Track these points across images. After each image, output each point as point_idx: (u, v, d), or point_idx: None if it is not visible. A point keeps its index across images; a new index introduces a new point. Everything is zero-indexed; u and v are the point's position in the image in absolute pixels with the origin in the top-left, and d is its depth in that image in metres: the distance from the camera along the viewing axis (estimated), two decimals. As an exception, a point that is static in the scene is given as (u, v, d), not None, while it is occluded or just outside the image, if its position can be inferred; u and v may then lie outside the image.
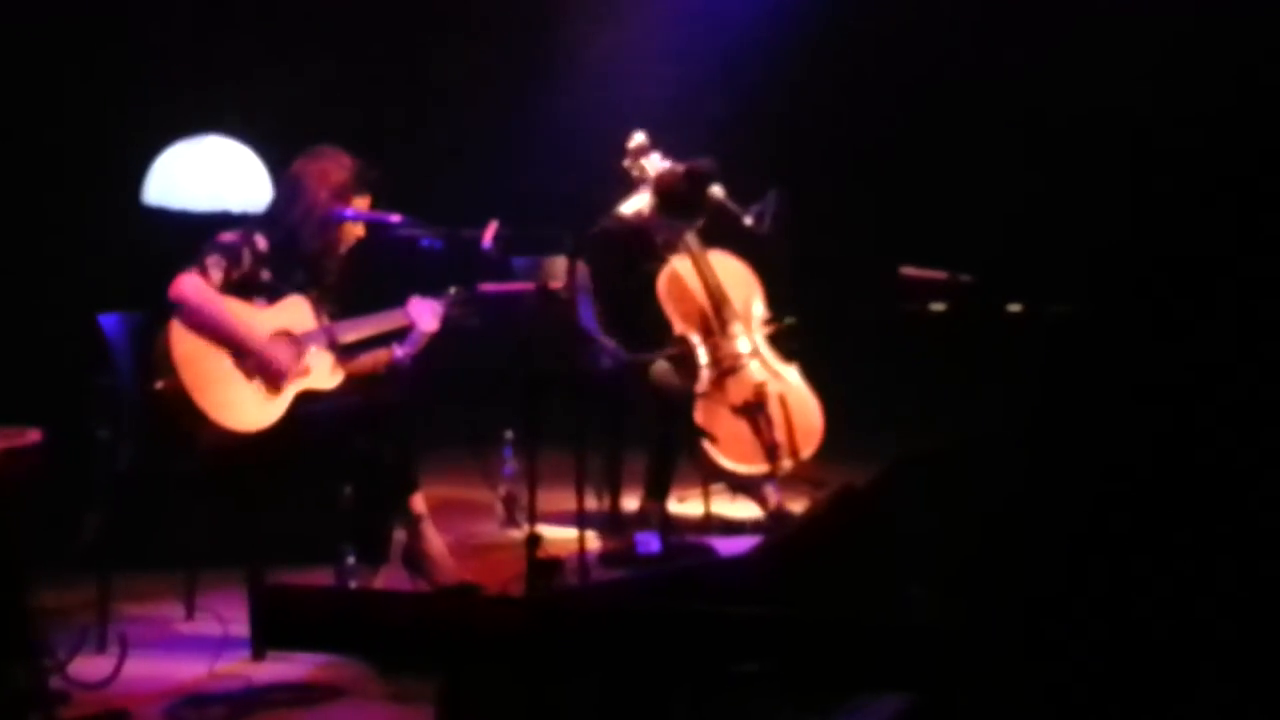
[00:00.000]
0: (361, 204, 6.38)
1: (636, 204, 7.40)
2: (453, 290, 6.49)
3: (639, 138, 7.45)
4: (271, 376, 6.03)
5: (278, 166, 7.51)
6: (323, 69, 9.51)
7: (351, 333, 6.31)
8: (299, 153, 6.45)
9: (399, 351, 6.37)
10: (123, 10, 8.68)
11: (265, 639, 5.22)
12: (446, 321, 6.45)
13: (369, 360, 6.37)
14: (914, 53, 9.87)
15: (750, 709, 3.55)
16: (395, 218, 6.45)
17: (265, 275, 6.13)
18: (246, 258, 6.08)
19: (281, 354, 6.06)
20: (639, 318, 7.27)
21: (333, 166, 6.37)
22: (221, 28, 9.10)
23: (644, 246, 7.41)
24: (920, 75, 9.83)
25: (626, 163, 7.48)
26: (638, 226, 7.39)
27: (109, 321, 6.16)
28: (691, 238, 7.48)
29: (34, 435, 5.03)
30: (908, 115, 9.81)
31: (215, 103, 8.64)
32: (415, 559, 6.16)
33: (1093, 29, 9.05)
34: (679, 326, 7.25)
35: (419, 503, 6.19)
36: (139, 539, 6.23)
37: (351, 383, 6.28)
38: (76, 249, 7.85)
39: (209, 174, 8.15)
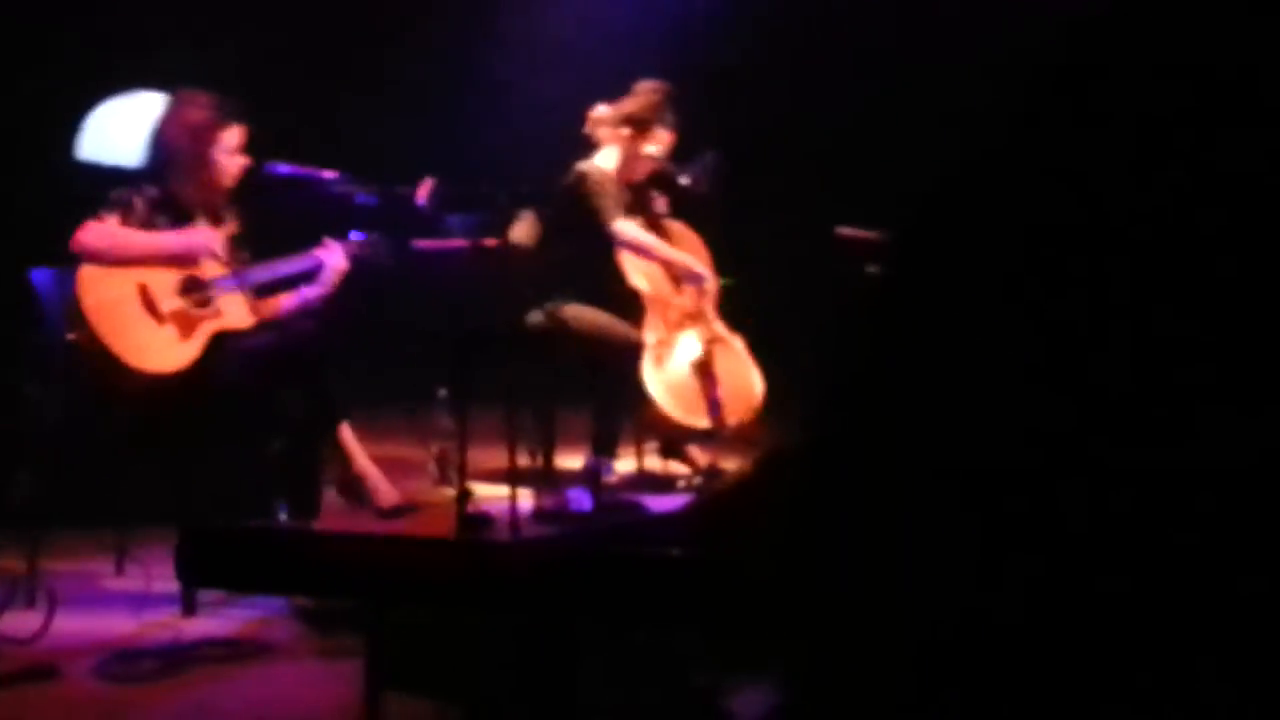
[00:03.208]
0: (233, 137, 6.38)
1: (604, 160, 7.38)
2: (360, 235, 6.54)
3: (602, 108, 7.43)
4: (195, 262, 6.16)
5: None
6: (262, 24, 9.47)
7: (263, 273, 6.36)
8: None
9: (309, 291, 6.41)
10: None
11: (191, 579, 5.22)
12: (355, 260, 6.50)
13: (280, 300, 6.41)
14: (850, 8, 9.87)
15: (666, 659, 3.58)
16: (329, 174, 6.48)
17: (162, 223, 6.16)
18: (140, 207, 6.14)
19: (199, 235, 6.17)
20: (589, 268, 7.26)
21: (189, 108, 6.42)
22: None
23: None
24: (858, 29, 9.83)
25: (589, 129, 7.44)
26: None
27: (40, 276, 6.16)
28: (661, 203, 7.51)
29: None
30: (845, 73, 9.82)
31: (149, 58, 8.58)
32: (351, 486, 6.21)
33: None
34: (632, 280, 7.24)
35: (346, 431, 6.24)
36: (69, 496, 6.21)
37: (265, 324, 6.32)
38: (8, 204, 7.80)
39: (142, 129, 8.08)
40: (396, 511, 6.17)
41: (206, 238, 6.22)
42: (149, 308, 6.05)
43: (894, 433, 1.56)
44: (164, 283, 6.11)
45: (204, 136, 6.31)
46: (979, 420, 1.47)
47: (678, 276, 7.40)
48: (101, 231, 6.04)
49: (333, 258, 6.48)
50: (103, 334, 5.93)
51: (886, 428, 1.58)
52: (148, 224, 6.15)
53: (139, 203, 6.14)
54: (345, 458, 6.22)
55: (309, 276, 6.48)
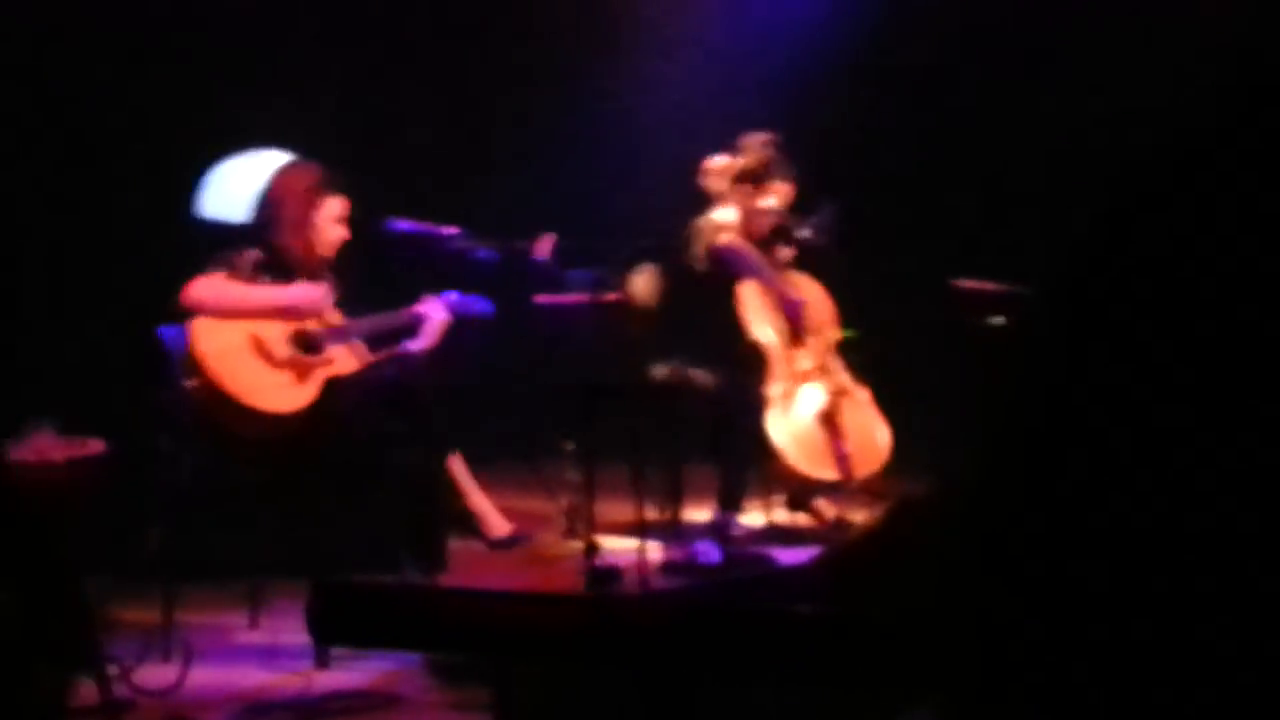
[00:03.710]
0: (335, 206, 6.47)
1: (724, 216, 7.40)
2: (454, 293, 6.61)
3: (719, 160, 7.43)
4: (304, 318, 6.26)
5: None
6: (381, 83, 9.55)
7: (365, 327, 6.46)
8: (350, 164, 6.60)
9: (412, 345, 6.48)
10: (183, 23, 8.72)
11: (321, 636, 5.24)
12: (455, 314, 6.55)
13: (385, 354, 6.49)
14: (967, 62, 9.84)
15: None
16: (450, 230, 6.54)
17: (265, 283, 6.26)
18: (244, 266, 6.23)
19: (305, 290, 6.31)
20: (709, 325, 7.26)
21: (296, 174, 6.58)
22: (280, 41, 9.13)
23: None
24: (978, 75, 9.80)
25: (706, 184, 7.44)
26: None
27: (169, 333, 6.23)
28: (784, 254, 7.49)
29: (96, 446, 5.08)
30: (960, 126, 9.78)
31: (271, 116, 8.67)
32: (463, 518, 6.26)
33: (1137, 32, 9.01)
34: (754, 333, 7.23)
35: (456, 464, 6.34)
36: (203, 550, 6.25)
37: (375, 365, 6.39)
38: (137, 262, 7.89)
39: (263, 187, 8.17)
40: (510, 541, 6.23)
41: (314, 292, 6.29)
42: (263, 354, 6.15)
43: (1043, 485, 1.54)
44: (275, 334, 6.21)
45: (308, 202, 6.40)
46: (1139, 475, 1.45)
47: (791, 314, 7.36)
48: (209, 285, 6.15)
49: (433, 312, 6.53)
50: (220, 378, 6.03)
51: (1034, 480, 1.56)
52: (251, 283, 6.24)
53: (242, 263, 6.24)
54: (456, 491, 6.27)
55: (410, 331, 6.53)
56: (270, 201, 6.48)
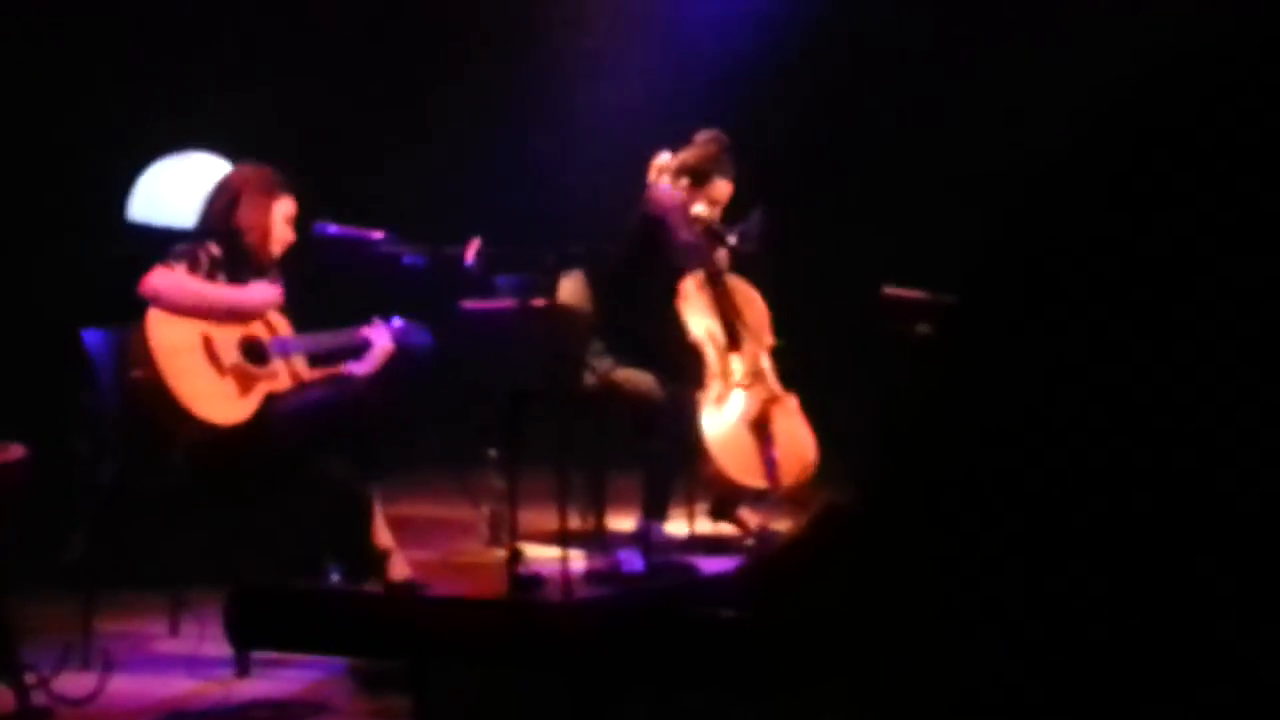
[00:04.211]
0: (287, 206, 6.48)
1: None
2: (403, 319, 6.58)
3: (664, 157, 7.40)
4: (254, 318, 6.26)
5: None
6: (310, 86, 9.52)
7: (311, 344, 6.43)
8: (280, 168, 6.56)
9: (356, 367, 6.45)
10: (108, 28, 8.67)
11: (240, 640, 5.21)
12: (399, 342, 6.54)
13: (325, 372, 6.46)
14: (895, 66, 9.88)
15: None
16: (378, 234, 6.54)
17: (221, 280, 6.22)
18: (204, 261, 6.21)
19: (258, 291, 6.28)
20: (645, 325, 7.25)
21: (254, 171, 6.55)
22: (207, 44, 9.10)
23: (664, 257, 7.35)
24: (902, 87, 9.84)
25: (651, 177, 7.41)
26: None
27: (91, 337, 6.19)
28: (721, 256, 7.46)
29: (17, 451, 5.03)
30: (890, 129, 9.82)
31: (200, 120, 8.63)
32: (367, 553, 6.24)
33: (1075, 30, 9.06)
34: (694, 333, 7.22)
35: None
36: (123, 557, 6.21)
37: (313, 384, 6.37)
38: (60, 265, 7.84)
39: (193, 191, 8.12)
40: (405, 587, 6.16)
41: (268, 293, 6.28)
42: (212, 358, 6.12)
43: (956, 490, 1.55)
44: (226, 338, 6.18)
45: (267, 198, 6.38)
46: (1043, 475, 1.46)
47: (738, 336, 7.36)
48: (170, 277, 6.11)
49: (380, 337, 6.52)
50: (166, 375, 5.99)
51: (946, 485, 1.57)
52: (209, 280, 6.22)
53: (203, 257, 6.21)
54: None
55: (356, 351, 6.51)
56: (228, 196, 6.45)
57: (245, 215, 6.38)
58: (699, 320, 7.28)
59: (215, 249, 6.28)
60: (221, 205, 6.43)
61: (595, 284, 7.33)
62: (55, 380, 6.51)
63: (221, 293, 6.22)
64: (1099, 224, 1.48)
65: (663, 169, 7.36)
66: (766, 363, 7.43)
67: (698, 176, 7.35)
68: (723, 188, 7.39)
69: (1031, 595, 1.49)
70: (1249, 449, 1.35)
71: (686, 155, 7.38)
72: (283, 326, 6.41)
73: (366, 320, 6.56)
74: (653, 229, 7.21)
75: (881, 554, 1.66)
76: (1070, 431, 1.45)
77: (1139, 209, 1.45)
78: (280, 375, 6.29)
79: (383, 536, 6.20)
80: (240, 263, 6.34)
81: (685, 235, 7.27)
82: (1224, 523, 1.36)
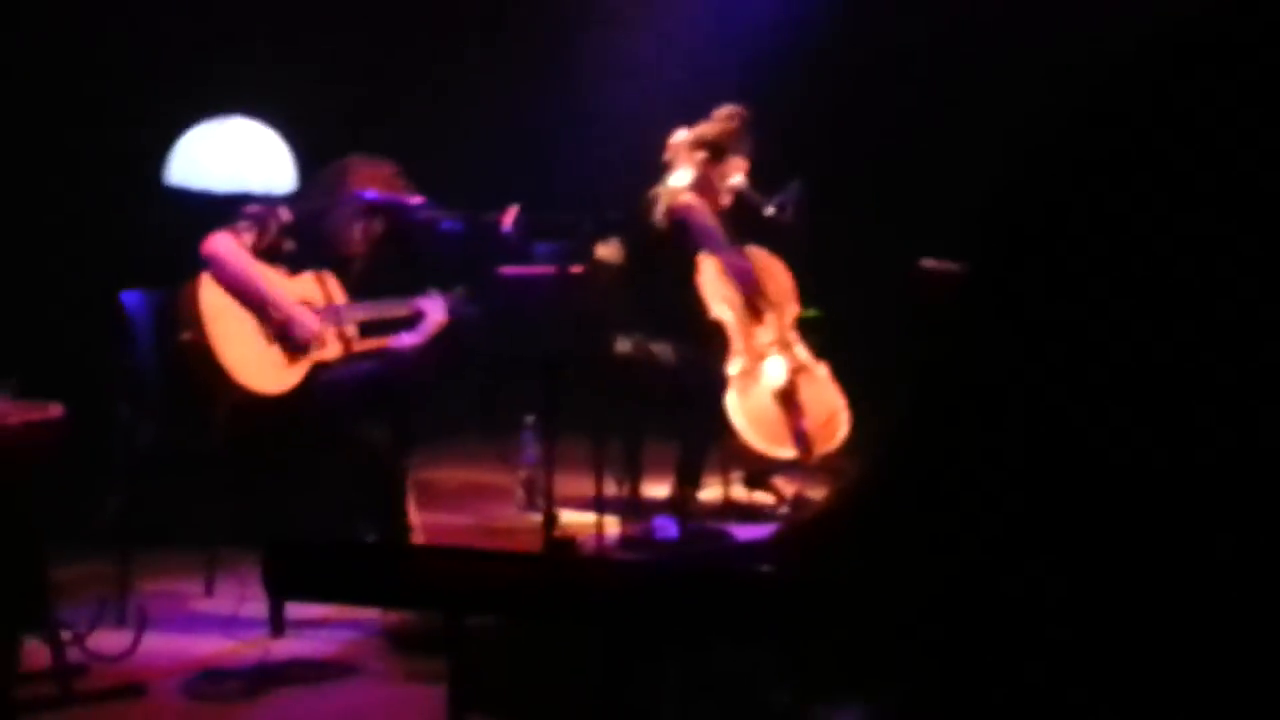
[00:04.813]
0: (376, 227, 6.54)
1: (679, 179, 7.38)
2: (460, 289, 6.57)
3: (682, 133, 7.42)
4: (294, 338, 6.12)
5: (300, 148, 7.58)
6: (348, 51, 9.53)
7: (361, 314, 6.40)
8: (320, 134, 6.56)
9: (407, 338, 6.44)
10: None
11: (276, 589, 5.23)
12: (453, 315, 6.53)
13: (375, 342, 6.45)
14: (933, 40, 9.86)
15: (744, 686, 3.57)
16: (416, 200, 6.53)
17: (289, 245, 6.23)
18: (272, 226, 6.21)
19: (309, 320, 6.16)
20: (670, 300, 7.26)
21: (376, 179, 6.50)
22: (249, 7, 9.11)
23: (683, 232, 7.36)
24: (941, 61, 9.81)
25: (668, 156, 7.44)
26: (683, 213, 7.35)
27: (131, 299, 6.22)
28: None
29: (55, 410, 5.05)
30: (929, 101, 9.79)
31: (239, 84, 8.64)
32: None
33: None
34: (714, 310, 7.23)
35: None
36: (160, 517, 6.24)
37: (359, 355, 6.37)
38: (100, 228, 7.86)
39: (232, 155, 8.13)
40: None
41: (313, 325, 6.23)
42: (262, 324, 6.10)
43: (969, 463, 1.55)
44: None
45: (375, 209, 6.41)
46: (1060, 445, 1.46)
47: (742, 283, 7.35)
48: (233, 250, 6.09)
49: (434, 310, 6.51)
50: (214, 339, 5.99)
51: (960, 457, 1.56)
52: (275, 245, 6.21)
53: (272, 224, 6.21)
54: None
55: (409, 322, 6.50)
56: (337, 179, 6.48)
57: (333, 219, 6.40)
58: (719, 296, 7.28)
59: (286, 214, 6.28)
60: (324, 180, 6.49)
61: (627, 253, 7.35)
62: (95, 342, 6.54)
63: (274, 291, 6.15)
64: (1099, 197, 1.47)
65: (679, 146, 7.37)
66: (791, 333, 7.43)
67: (716, 151, 7.36)
68: (739, 164, 7.40)
69: (1031, 578, 1.48)
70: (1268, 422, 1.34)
71: (705, 130, 7.39)
72: (337, 292, 6.39)
73: (421, 290, 6.56)
74: (675, 230, 7.25)
75: (892, 531, 1.65)
76: (1077, 405, 1.45)
77: (1139, 182, 1.44)
78: (330, 343, 6.28)
79: (411, 512, 6.22)
80: (313, 237, 6.34)
81: (708, 242, 7.30)
82: (1247, 501, 1.36)
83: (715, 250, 7.32)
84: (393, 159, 6.61)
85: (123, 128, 8.30)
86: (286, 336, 6.13)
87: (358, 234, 6.45)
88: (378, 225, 6.49)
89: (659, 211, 7.26)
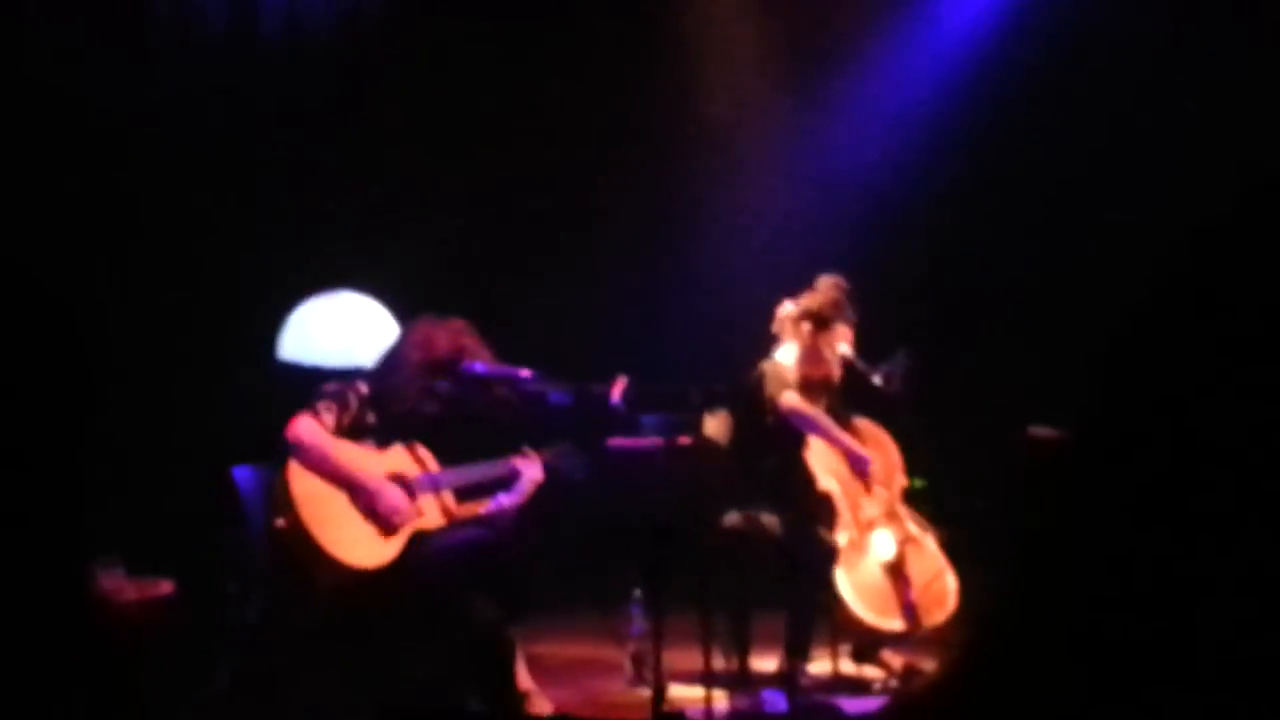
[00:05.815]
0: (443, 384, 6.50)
1: (785, 355, 7.42)
2: (561, 444, 6.58)
3: (788, 306, 7.47)
4: (384, 517, 6.11)
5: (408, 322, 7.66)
6: (455, 225, 9.62)
7: (456, 479, 6.40)
8: (429, 307, 6.62)
9: (505, 499, 6.43)
10: (258, 166, 8.84)
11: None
12: (550, 471, 6.53)
13: (475, 506, 6.45)
14: (1037, 205, 9.88)
15: None
16: (525, 373, 6.55)
17: (371, 419, 6.26)
18: (353, 402, 6.24)
19: (394, 496, 6.16)
20: (778, 472, 7.27)
21: (440, 334, 6.52)
22: (357, 184, 9.23)
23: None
24: (1043, 233, 9.82)
25: (775, 328, 7.49)
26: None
27: (241, 474, 6.25)
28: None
29: (166, 587, 5.10)
30: (1034, 267, 9.80)
31: (349, 259, 8.75)
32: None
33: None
34: (822, 483, 7.22)
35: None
36: (268, 690, 6.25)
37: (460, 523, 6.36)
38: (212, 403, 7.96)
39: (342, 329, 8.24)
40: None
41: (402, 504, 6.24)
42: (355, 500, 6.11)
43: (1080, 636, 1.54)
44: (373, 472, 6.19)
45: (440, 363, 6.44)
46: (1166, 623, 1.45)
47: (859, 470, 7.35)
48: (314, 433, 6.12)
49: (530, 468, 6.51)
50: (309, 523, 5.99)
51: (1071, 630, 1.55)
52: (359, 419, 6.24)
53: (353, 399, 6.25)
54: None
55: (505, 483, 6.50)
56: (400, 346, 6.55)
57: (400, 370, 6.44)
58: (827, 470, 7.28)
59: (363, 388, 6.32)
60: (390, 350, 6.54)
61: (735, 426, 7.38)
62: (206, 518, 6.59)
63: (356, 470, 6.16)
64: (1220, 376, 1.46)
65: (786, 318, 7.41)
66: (899, 504, 7.40)
67: (820, 321, 7.39)
68: (844, 333, 7.43)
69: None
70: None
71: (809, 301, 7.43)
72: (429, 461, 6.41)
73: (517, 449, 6.57)
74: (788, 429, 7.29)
75: (1004, 705, 1.64)
76: (1189, 587, 1.44)
77: (1257, 373, 1.44)
78: (428, 512, 6.28)
79: (523, 678, 6.19)
80: (386, 408, 6.37)
81: (821, 436, 7.32)
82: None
83: (833, 443, 7.34)
84: (496, 330, 6.64)
85: (235, 302, 8.42)
86: (376, 512, 6.14)
87: (417, 392, 6.46)
88: (442, 385, 6.49)
89: (765, 393, 7.29)
